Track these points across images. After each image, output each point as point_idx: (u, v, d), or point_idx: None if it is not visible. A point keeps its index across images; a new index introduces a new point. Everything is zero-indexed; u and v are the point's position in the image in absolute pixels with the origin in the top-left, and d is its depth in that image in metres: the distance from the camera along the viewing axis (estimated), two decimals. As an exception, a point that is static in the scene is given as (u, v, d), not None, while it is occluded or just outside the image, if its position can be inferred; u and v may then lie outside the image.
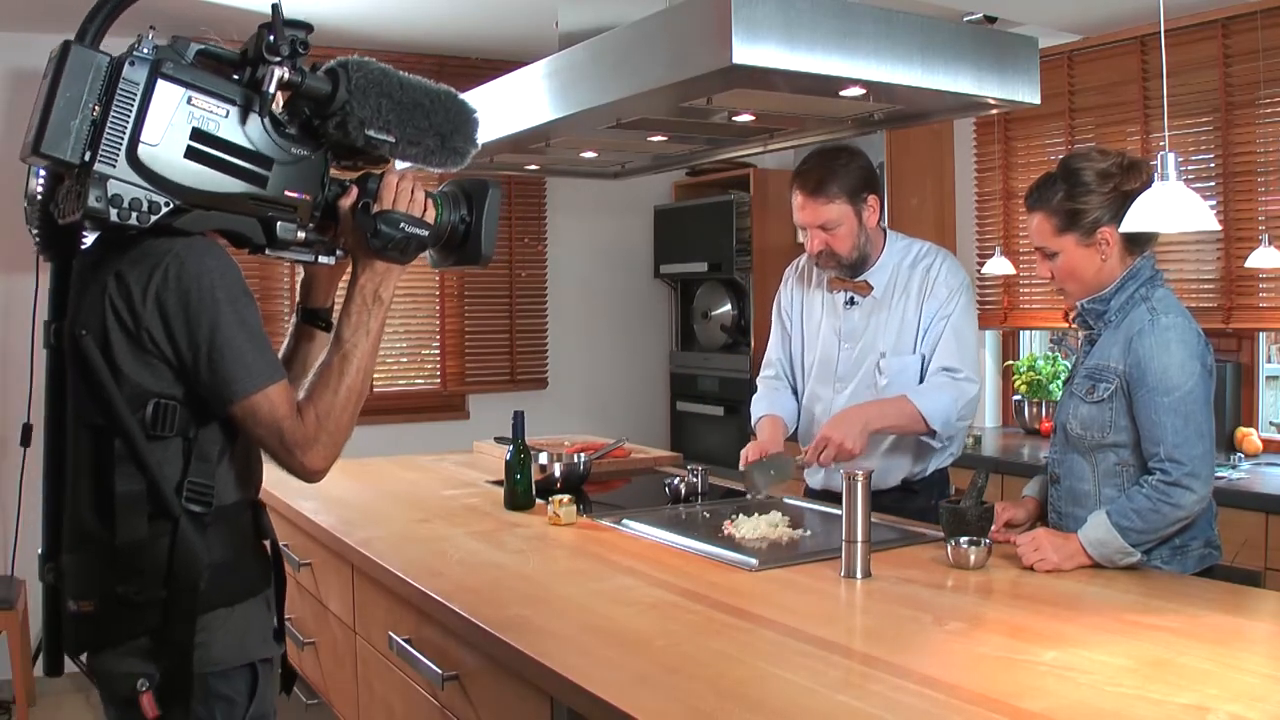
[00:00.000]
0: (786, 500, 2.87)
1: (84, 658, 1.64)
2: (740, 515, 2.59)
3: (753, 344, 5.35)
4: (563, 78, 2.58)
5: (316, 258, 1.68)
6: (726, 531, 2.52)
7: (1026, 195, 2.32)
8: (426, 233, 1.69)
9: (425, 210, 1.69)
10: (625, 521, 2.64)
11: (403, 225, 1.65)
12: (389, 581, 2.27)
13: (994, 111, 2.77)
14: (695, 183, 5.75)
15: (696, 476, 3.02)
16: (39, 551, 1.63)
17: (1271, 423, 3.99)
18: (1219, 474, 3.46)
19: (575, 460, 3.14)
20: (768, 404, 3.00)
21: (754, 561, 2.24)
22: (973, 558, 2.18)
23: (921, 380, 2.74)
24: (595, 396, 5.73)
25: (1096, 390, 2.21)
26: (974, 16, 3.40)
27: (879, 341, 2.77)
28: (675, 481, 3.01)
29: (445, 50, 5.04)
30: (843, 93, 2.32)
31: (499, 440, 3.83)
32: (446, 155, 1.65)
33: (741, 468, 2.80)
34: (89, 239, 1.63)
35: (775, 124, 2.78)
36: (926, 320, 2.73)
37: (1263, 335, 4.02)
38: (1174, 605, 1.92)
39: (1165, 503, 2.07)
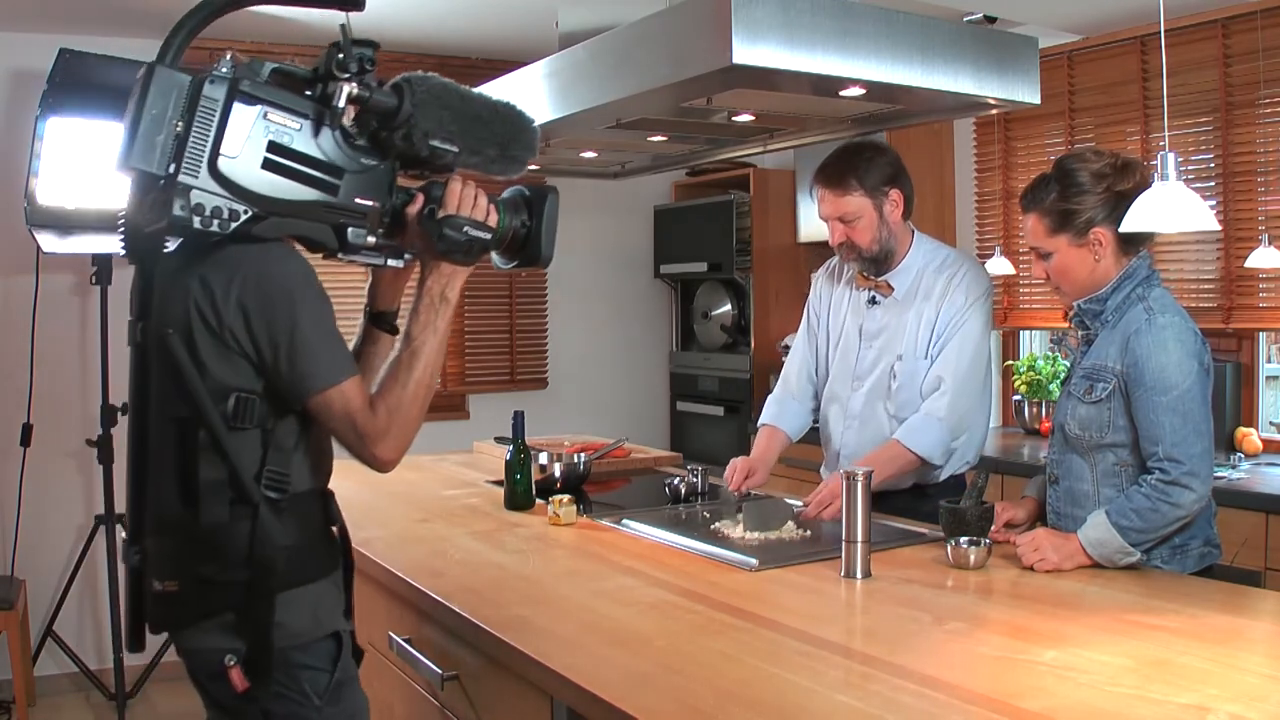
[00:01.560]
0: (788, 500, 2.86)
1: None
2: (740, 515, 2.59)
3: (752, 344, 5.35)
4: (563, 78, 2.58)
5: (386, 261, 1.79)
6: (721, 530, 2.51)
7: (1021, 196, 2.32)
8: (489, 236, 1.78)
9: (488, 214, 1.78)
10: (625, 521, 2.64)
11: (466, 229, 1.75)
12: (389, 581, 2.27)
13: (994, 111, 2.77)
14: (695, 183, 5.75)
15: (696, 476, 3.02)
16: (122, 536, 1.76)
17: (1271, 422, 3.99)
18: (1219, 474, 3.46)
19: (575, 460, 3.14)
20: (775, 413, 3.00)
21: (754, 561, 2.24)
22: (972, 558, 2.18)
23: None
24: (595, 396, 5.73)
25: (1094, 390, 2.21)
26: (974, 16, 3.41)
27: (897, 344, 2.76)
28: (675, 481, 3.00)
29: (445, 50, 5.04)
30: (843, 93, 2.32)
31: (499, 440, 3.83)
32: (506, 163, 1.76)
33: (729, 486, 2.80)
34: (171, 244, 1.73)
35: (775, 124, 2.78)
36: (941, 326, 2.71)
37: (1263, 335, 4.01)
38: (1174, 605, 1.92)
39: (1165, 502, 2.07)
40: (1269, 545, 3.25)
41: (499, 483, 2.97)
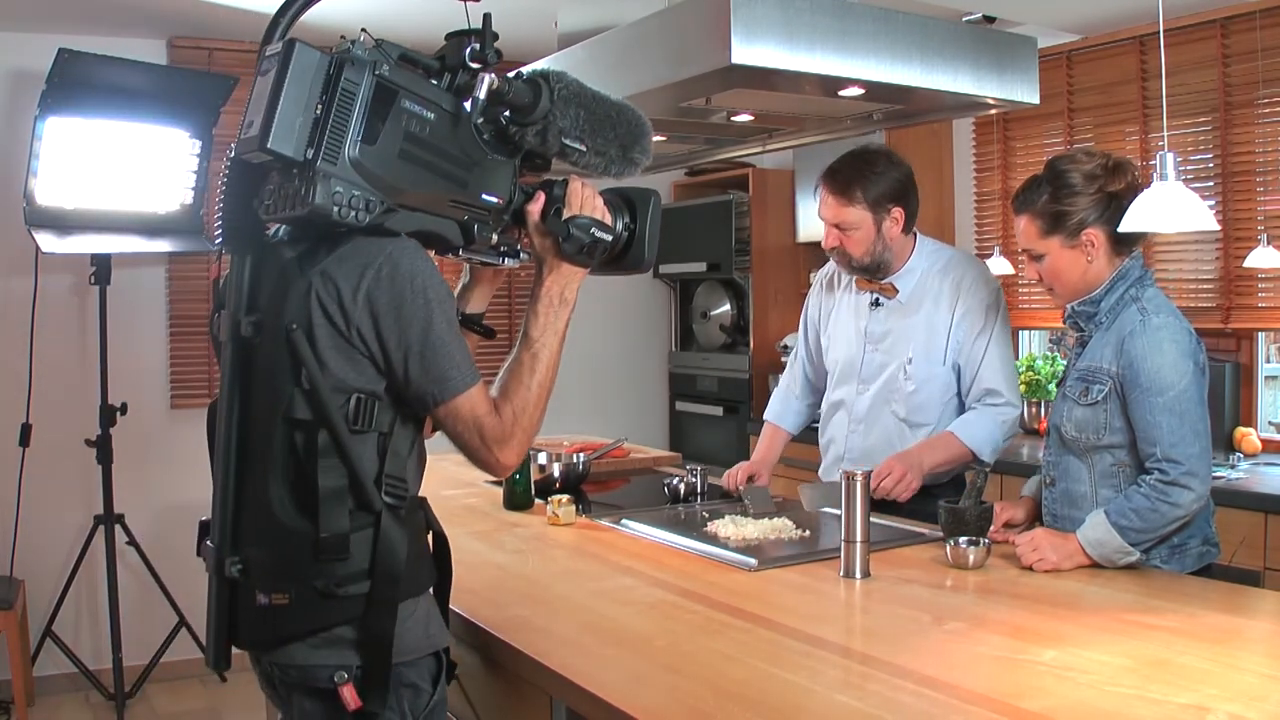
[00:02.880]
0: (788, 500, 2.86)
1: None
2: (740, 515, 2.59)
3: (751, 344, 5.35)
4: (562, 78, 2.58)
5: (503, 260, 1.74)
6: (712, 530, 2.52)
7: (1013, 198, 2.32)
8: (611, 237, 1.73)
9: (604, 215, 1.73)
10: (624, 521, 2.64)
11: (592, 230, 1.69)
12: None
13: (993, 111, 2.77)
14: (694, 183, 5.75)
15: (695, 476, 3.02)
16: (209, 544, 1.61)
17: (1270, 422, 3.98)
18: (1217, 474, 3.46)
19: (574, 460, 3.14)
20: (779, 411, 3.04)
21: (753, 561, 2.24)
22: (972, 558, 2.18)
23: (960, 395, 2.75)
24: (594, 396, 5.73)
25: (1090, 392, 2.21)
26: (973, 16, 3.41)
27: (905, 346, 2.75)
28: (674, 481, 3.00)
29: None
30: (842, 92, 2.32)
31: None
32: (625, 165, 1.71)
33: (729, 485, 2.86)
34: (273, 233, 1.64)
35: (774, 124, 2.78)
36: (960, 334, 2.70)
37: (1261, 335, 4.01)
38: (1173, 605, 1.92)
39: (1164, 502, 2.07)
40: (1268, 545, 3.25)
41: (498, 483, 2.97)
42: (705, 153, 3.23)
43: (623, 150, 1.70)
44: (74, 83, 3.89)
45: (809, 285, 5.24)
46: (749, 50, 2.04)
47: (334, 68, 1.47)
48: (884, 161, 2.71)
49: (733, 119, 2.66)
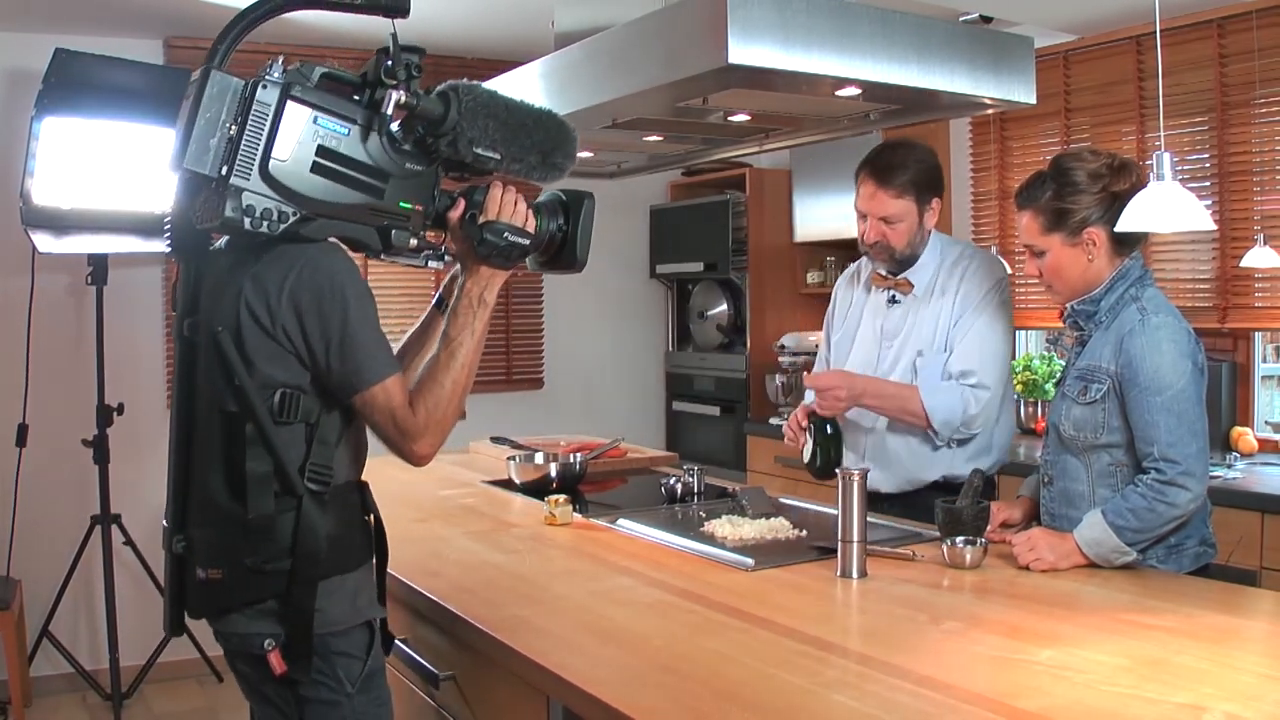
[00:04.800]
0: (785, 500, 2.87)
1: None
2: (737, 516, 2.59)
3: (748, 344, 5.35)
4: (559, 78, 2.58)
5: (426, 263, 1.83)
6: (709, 530, 2.51)
7: (1017, 193, 2.32)
8: (528, 241, 1.84)
9: (526, 220, 1.83)
10: (621, 521, 2.64)
11: (506, 235, 1.80)
12: (386, 581, 2.26)
13: (990, 111, 2.77)
14: (691, 183, 5.75)
15: (693, 476, 3.01)
16: (164, 524, 1.81)
17: (1267, 422, 3.99)
18: (1214, 474, 3.46)
19: (571, 460, 3.14)
20: None
21: (750, 561, 2.24)
22: (969, 557, 2.18)
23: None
24: (591, 396, 5.73)
25: (1089, 391, 2.21)
26: (970, 16, 3.41)
27: (917, 340, 2.74)
28: (671, 481, 3.00)
29: (441, 50, 5.03)
30: (839, 92, 2.32)
31: (495, 440, 3.84)
32: (547, 170, 1.81)
33: (791, 431, 2.75)
34: (218, 242, 1.81)
35: (771, 124, 2.78)
36: (956, 319, 2.69)
37: (1258, 335, 4.02)
38: (1170, 605, 1.93)
39: (1161, 502, 2.07)
40: (1264, 545, 3.25)
41: (495, 483, 2.98)
42: (702, 153, 3.22)
43: (543, 156, 1.79)
44: (70, 82, 3.89)
45: (806, 285, 5.24)
46: (746, 50, 2.04)
47: (249, 90, 1.59)
48: (925, 152, 2.71)
49: (729, 119, 2.65)
